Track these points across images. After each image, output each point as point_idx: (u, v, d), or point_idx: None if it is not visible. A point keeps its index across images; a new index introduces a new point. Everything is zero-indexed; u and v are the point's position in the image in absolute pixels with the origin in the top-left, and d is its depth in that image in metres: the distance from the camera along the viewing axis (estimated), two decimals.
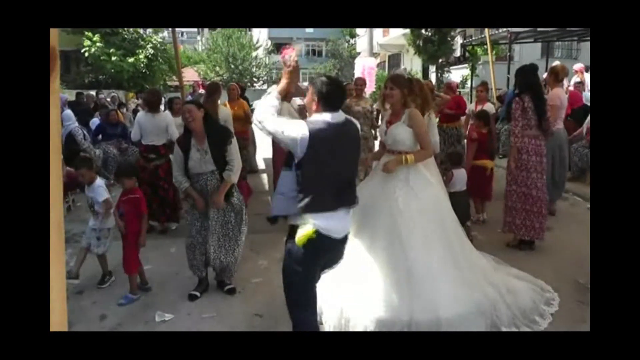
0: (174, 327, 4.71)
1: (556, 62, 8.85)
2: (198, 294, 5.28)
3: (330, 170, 3.45)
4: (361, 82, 9.41)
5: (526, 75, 6.35)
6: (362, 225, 4.65)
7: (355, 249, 4.46)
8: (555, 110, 7.12)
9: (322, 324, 4.41)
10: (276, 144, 8.24)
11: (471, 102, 11.06)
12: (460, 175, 6.94)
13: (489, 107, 8.89)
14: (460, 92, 20.12)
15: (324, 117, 3.47)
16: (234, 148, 5.20)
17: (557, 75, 7.52)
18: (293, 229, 3.52)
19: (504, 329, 4.41)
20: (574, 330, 4.38)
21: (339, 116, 3.55)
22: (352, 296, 4.46)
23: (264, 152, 9.60)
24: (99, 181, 5.60)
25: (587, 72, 12.80)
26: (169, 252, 6.37)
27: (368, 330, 4.26)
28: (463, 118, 9.66)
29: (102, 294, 5.42)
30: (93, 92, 16.53)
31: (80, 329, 4.62)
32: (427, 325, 4.22)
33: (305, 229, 3.40)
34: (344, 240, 3.68)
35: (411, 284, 4.34)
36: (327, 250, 3.60)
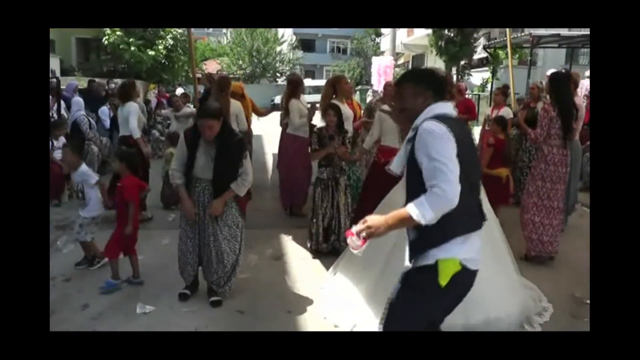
0: (154, 319, 4.64)
1: (575, 69, 8.64)
2: (189, 292, 5.10)
3: (468, 176, 2.74)
4: (390, 87, 9.28)
5: (559, 83, 6.07)
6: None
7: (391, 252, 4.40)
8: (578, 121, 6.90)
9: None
10: (283, 141, 8.20)
11: (490, 106, 10.89)
12: None
13: (506, 112, 8.60)
14: (479, 95, 19.87)
15: (445, 109, 2.86)
16: (248, 162, 4.90)
17: (576, 84, 7.27)
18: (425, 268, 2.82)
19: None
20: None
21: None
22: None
23: (274, 146, 9.52)
24: (84, 166, 5.56)
25: None
26: (161, 244, 6.32)
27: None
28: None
29: (88, 283, 5.36)
30: (104, 81, 16.48)
31: (60, 317, 4.59)
32: (481, 327, 4.23)
33: (447, 262, 2.75)
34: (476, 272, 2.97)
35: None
36: (468, 288, 2.94)
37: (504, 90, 9.43)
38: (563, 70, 6.40)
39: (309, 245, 6.34)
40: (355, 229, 2.78)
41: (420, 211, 2.58)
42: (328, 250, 6.16)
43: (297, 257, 6.23)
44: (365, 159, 7.87)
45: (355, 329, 4.41)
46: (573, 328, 4.55)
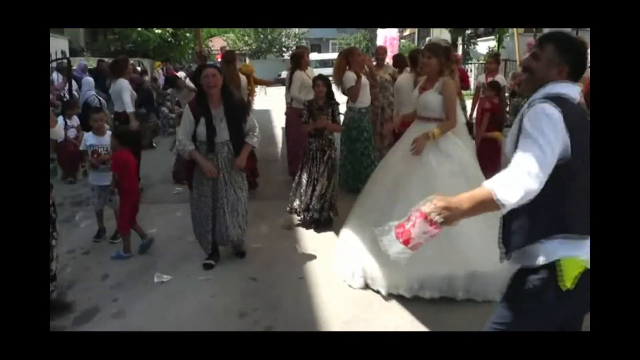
0: (171, 288, 4.84)
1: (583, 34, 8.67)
2: (213, 262, 5.28)
3: (579, 171, 2.41)
4: (382, 52, 9.36)
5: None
6: (396, 191, 4.75)
7: (384, 209, 4.59)
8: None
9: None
10: (288, 115, 8.38)
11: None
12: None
13: (500, 79, 8.80)
14: (484, 63, 19.84)
15: (571, 92, 2.49)
16: (252, 117, 5.23)
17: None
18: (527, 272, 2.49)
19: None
20: None
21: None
22: (378, 256, 4.44)
23: (281, 120, 9.69)
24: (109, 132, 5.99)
25: None
26: (175, 217, 6.50)
27: (400, 288, 4.49)
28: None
29: (107, 256, 5.57)
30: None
31: (82, 287, 4.80)
32: (463, 278, 4.41)
33: (572, 262, 2.40)
34: None
35: (448, 240, 4.29)
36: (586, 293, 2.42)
37: (496, 58, 9.56)
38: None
39: (291, 212, 6.51)
40: (425, 208, 2.34)
41: (506, 191, 2.23)
42: (312, 220, 6.30)
43: (308, 226, 6.37)
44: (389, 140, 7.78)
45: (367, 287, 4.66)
46: None
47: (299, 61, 8.42)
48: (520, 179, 2.22)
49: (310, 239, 5.99)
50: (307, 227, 6.29)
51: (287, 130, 8.85)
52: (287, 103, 8.70)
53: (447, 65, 4.90)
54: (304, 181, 6.26)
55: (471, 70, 22.56)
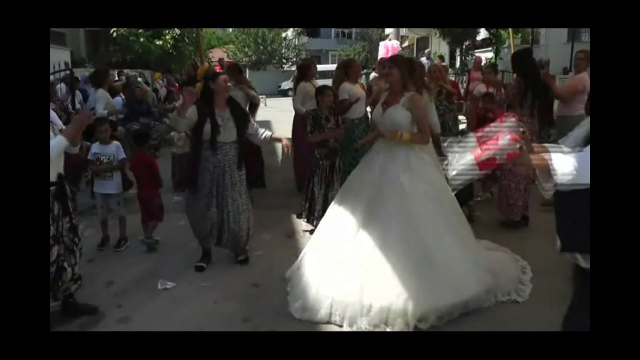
0: (175, 294, 4.93)
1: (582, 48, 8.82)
2: (204, 265, 5.51)
3: None
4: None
5: (517, 60, 6.53)
6: (371, 215, 4.57)
7: (361, 239, 4.52)
8: (574, 94, 7.25)
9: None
10: (297, 120, 8.42)
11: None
12: None
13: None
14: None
15: None
16: (253, 122, 5.60)
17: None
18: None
19: (500, 297, 4.59)
20: (552, 300, 4.48)
21: None
22: (357, 285, 4.28)
23: (281, 130, 9.79)
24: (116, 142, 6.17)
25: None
26: (177, 225, 6.58)
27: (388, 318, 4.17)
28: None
29: (110, 263, 5.70)
30: (115, 72, 16.73)
31: (88, 294, 4.86)
32: (452, 309, 4.21)
33: None
34: None
35: (433, 269, 4.27)
36: None
37: (494, 69, 9.70)
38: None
39: (308, 222, 6.47)
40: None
41: (562, 166, 2.52)
42: None
43: (308, 234, 6.42)
44: None
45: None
46: (564, 287, 4.77)
47: (305, 72, 8.49)
48: (579, 165, 2.47)
49: None
50: None
51: (294, 140, 8.77)
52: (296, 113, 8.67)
53: (412, 78, 4.84)
54: (316, 191, 6.29)
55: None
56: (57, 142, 3.92)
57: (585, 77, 7.28)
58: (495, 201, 7.54)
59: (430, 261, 4.31)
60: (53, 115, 4.24)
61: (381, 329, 4.12)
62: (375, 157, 4.85)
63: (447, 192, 4.81)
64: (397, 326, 4.09)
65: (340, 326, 4.23)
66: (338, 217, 4.91)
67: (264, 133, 5.55)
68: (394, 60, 4.87)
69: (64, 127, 4.26)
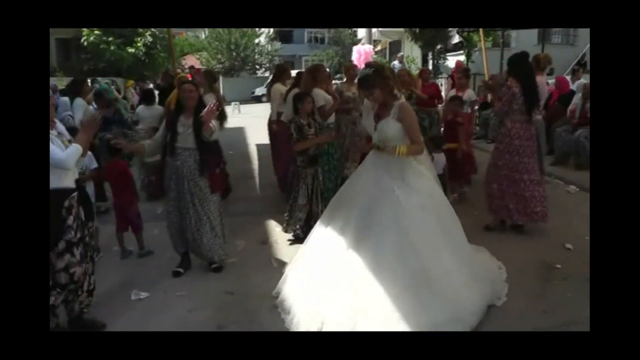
0: (149, 304, 4.91)
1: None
2: (182, 270, 5.55)
3: None
4: (354, 68, 9.50)
5: (515, 63, 6.45)
6: (365, 230, 4.46)
7: (353, 255, 4.41)
8: None
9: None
10: (280, 125, 8.33)
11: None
12: (440, 160, 7.16)
13: (470, 94, 8.98)
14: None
15: None
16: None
17: (539, 63, 7.64)
18: None
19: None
20: (527, 299, 4.56)
21: None
22: (348, 307, 4.17)
23: (256, 138, 9.82)
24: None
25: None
26: (152, 234, 6.56)
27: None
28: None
29: None
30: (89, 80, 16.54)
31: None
32: (450, 326, 4.04)
33: None
34: None
35: (431, 285, 4.18)
36: None
37: (466, 73, 9.72)
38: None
39: (287, 231, 6.50)
40: None
41: None
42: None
43: (283, 241, 6.46)
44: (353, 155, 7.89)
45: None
46: (541, 291, 4.86)
47: (282, 74, 8.64)
48: None
49: (285, 253, 6.06)
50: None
51: (277, 147, 8.76)
52: (272, 118, 8.62)
53: (394, 82, 4.68)
54: (300, 201, 6.26)
55: (442, 85, 22.87)
56: (74, 150, 4.01)
57: (539, 80, 7.40)
58: (469, 201, 7.66)
59: (428, 276, 4.21)
60: (62, 127, 4.28)
61: None
62: (370, 168, 4.75)
63: (444, 203, 4.75)
64: None
65: None
66: (329, 230, 4.78)
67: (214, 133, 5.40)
68: (366, 85, 4.59)
69: (71, 137, 4.32)
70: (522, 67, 6.35)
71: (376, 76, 4.54)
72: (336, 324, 4.10)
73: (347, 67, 9.56)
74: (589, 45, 21.07)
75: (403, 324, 3.95)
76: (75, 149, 4.01)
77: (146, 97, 9.96)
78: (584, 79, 11.60)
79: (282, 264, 5.66)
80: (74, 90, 8.30)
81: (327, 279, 4.44)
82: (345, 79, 9.13)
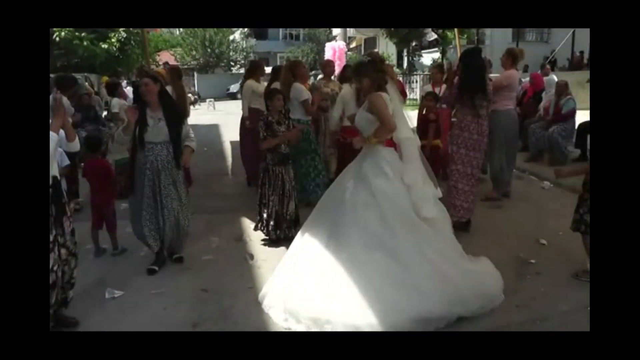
0: (123, 302, 4.87)
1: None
2: (156, 268, 5.51)
3: None
4: (331, 65, 9.54)
5: (467, 56, 6.54)
6: (337, 225, 4.53)
7: (327, 250, 4.47)
8: (498, 89, 7.25)
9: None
10: (251, 119, 8.35)
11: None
12: None
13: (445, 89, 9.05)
14: (429, 74, 20.37)
15: None
16: (187, 124, 5.68)
17: (515, 58, 7.71)
18: None
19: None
20: (506, 300, 4.56)
21: None
22: (322, 300, 4.18)
23: (231, 135, 9.81)
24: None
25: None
26: (125, 232, 6.51)
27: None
28: None
29: None
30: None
31: None
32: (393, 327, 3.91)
33: None
34: None
35: (353, 283, 4.15)
36: None
37: (441, 69, 9.74)
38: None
39: (260, 231, 6.36)
40: None
41: None
42: (280, 238, 6.17)
43: (257, 238, 6.43)
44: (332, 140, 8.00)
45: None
46: (516, 285, 4.90)
47: (254, 70, 8.71)
48: None
49: (260, 251, 6.08)
50: (277, 244, 6.17)
51: (243, 137, 8.94)
52: (244, 115, 8.68)
53: (384, 75, 4.74)
54: (269, 200, 6.16)
55: (416, 81, 23.03)
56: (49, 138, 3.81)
57: (510, 73, 7.57)
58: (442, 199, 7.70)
59: (349, 270, 4.23)
60: (62, 134, 4.24)
61: None
62: (354, 164, 4.81)
63: (399, 206, 4.53)
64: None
65: None
66: (311, 226, 4.83)
67: (193, 142, 5.60)
68: (359, 72, 4.75)
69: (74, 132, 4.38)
70: (472, 60, 6.41)
71: (369, 66, 4.74)
72: (309, 318, 4.14)
73: (325, 64, 9.60)
74: (562, 43, 21.36)
75: (373, 318, 3.93)
76: (50, 136, 3.81)
77: (112, 90, 10.14)
78: (555, 76, 11.76)
79: (256, 261, 5.69)
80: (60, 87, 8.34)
81: (305, 274, 4.47)
82: (322, 75, 9.16)
